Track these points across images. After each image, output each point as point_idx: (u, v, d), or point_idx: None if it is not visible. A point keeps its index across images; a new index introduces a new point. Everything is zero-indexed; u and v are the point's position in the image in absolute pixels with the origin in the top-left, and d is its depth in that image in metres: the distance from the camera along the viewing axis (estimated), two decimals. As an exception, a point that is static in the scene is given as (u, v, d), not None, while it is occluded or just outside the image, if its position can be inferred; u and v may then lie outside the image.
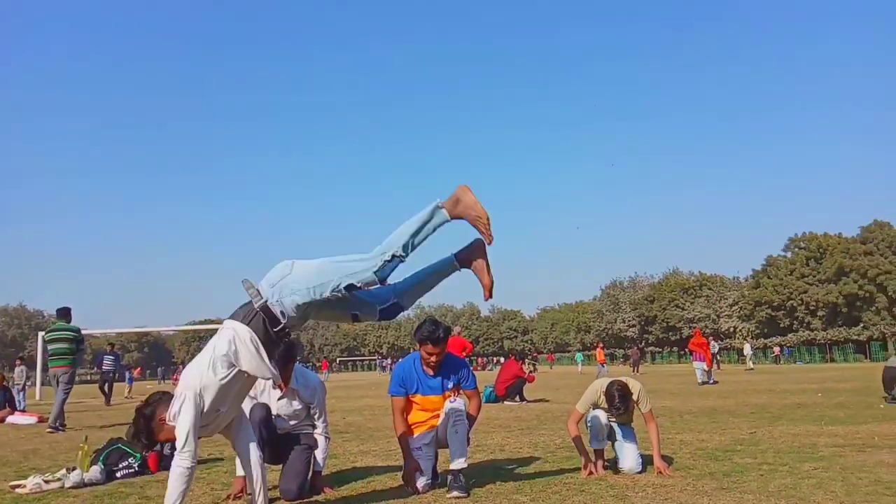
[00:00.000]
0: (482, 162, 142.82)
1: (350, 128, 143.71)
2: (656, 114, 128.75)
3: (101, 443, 5.23)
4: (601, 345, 33.22)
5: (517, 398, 12.18)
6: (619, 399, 4.35)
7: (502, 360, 41.20)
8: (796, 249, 62.88)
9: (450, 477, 3.93)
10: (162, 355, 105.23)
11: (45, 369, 17.09)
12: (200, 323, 79.60)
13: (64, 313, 9.94)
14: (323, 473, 4.29)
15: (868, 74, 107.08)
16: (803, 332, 58.43)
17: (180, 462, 2.97)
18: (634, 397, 4.51)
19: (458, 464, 3.93)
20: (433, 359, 4.19)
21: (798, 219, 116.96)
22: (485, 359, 78.54)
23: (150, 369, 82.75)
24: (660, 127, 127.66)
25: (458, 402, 4.14)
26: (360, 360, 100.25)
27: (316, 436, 4.28)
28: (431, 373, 4.25)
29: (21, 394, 14.61)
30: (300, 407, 4.23)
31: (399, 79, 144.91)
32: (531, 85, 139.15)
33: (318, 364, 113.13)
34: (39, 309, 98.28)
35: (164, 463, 5.17)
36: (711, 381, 17.60)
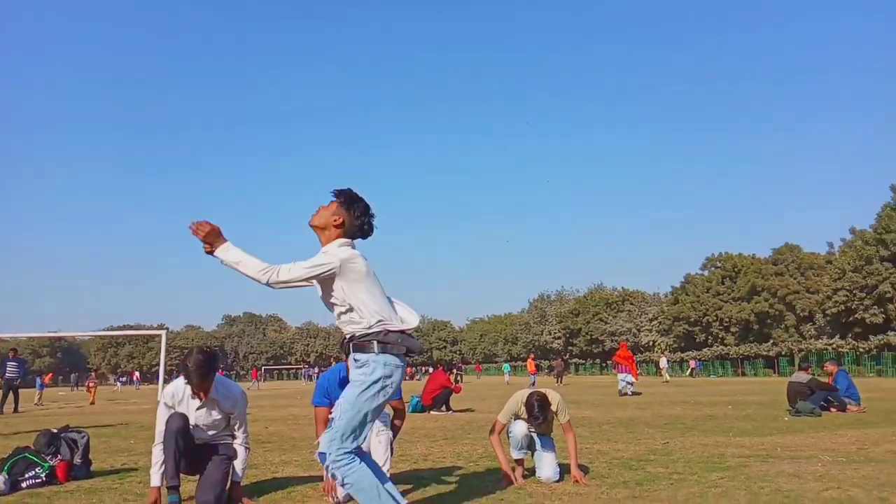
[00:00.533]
0: (415, 174, 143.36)
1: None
2: (587, 131, 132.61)
3: (7, 451, 4.98)
4: (532, 356, 33.69)
5: (443, 408, 12.26)
6: (538, 409, 4.48)
7: (430, 369, 41.25)
8: (713, 268, 65.71)
9: None
10: (77, 361, 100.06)
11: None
12: (119, 328, 76.30)
13: None
14: (241, 484, 4.22)
15: (778, 102, 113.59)
16: (717, 346, 61.00)
17: None
18: (554, 408, 4.65)
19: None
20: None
21: (715, 239, 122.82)
22: (413, 368, 78.39)
23: (63, 375, 78.53)
24: (590, 144, 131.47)
25: (382, 413, 4.16)
26: (286, 369, 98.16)
27: (235, 446, 4.21)
28: None
29: None
30: (220, 417, 4.15)
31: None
32: (463, 98, 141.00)
33: (243, 373, 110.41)
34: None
35: (73, 473, 4.97)
36: (631, 393, 18.17)
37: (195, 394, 4.03)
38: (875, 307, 46.61)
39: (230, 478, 4.11)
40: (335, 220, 3.26)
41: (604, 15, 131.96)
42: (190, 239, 3.17)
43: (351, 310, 3.18)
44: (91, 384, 24.82)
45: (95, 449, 5.78)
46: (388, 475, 3.97)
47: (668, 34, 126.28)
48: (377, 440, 4.05)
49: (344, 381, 4.24)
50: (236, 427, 4.23)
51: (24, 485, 4.62)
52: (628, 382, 18.41)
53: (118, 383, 52.03)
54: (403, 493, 4.14)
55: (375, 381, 3.09)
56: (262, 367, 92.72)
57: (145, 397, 27.71)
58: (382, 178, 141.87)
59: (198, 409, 4.09)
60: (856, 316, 47.99)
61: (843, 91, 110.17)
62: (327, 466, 3.07)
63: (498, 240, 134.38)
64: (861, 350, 45.86)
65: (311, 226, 3.33)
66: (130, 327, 76.80)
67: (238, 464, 4.16)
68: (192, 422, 4.08)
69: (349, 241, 3.30)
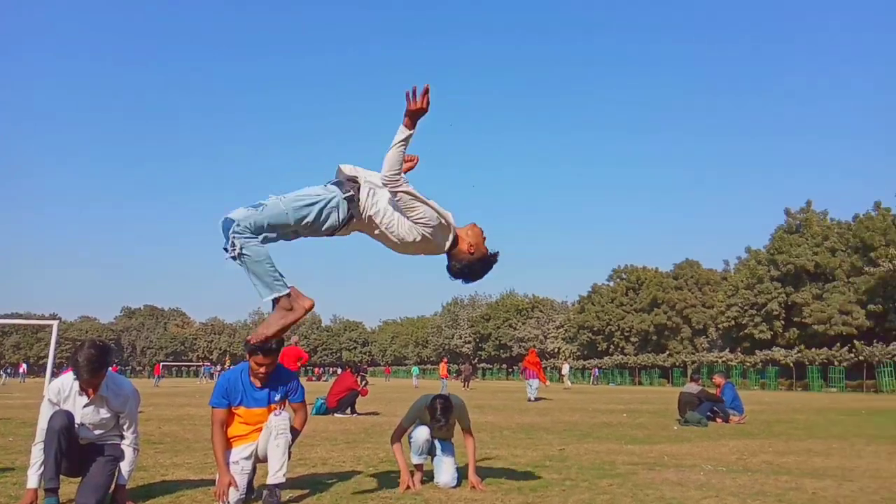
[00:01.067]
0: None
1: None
2: (505, 138, 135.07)
3: None
4: (445, 360, 33.88)
5: (348, 411, 12.14)
6: (441, 413, 4.53)
7: (339, 371, 40.74)
8: (618, 279, 68.37)
9: (265, 491, 3.86)
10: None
11: None
12: (4, 316, 71.09)
13: None
14: (128, 487, 4.03)
15: (688, 123, 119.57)
16: (618, 355, 63.49)
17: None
18: (456, 413, 4.70)
19: (276, 478, 3.86)
20: (262, 370, 4.08)
21: (622, 252, 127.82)
22: (321, 369, 77.30)
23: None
24: (508, 151, 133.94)
25: (282, 415, 4.07)
26: (186, 366, 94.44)
27: (123, 447, 4.02)
28: (259, 384, 4.15)
29: None
30: (108, 416, 3.96)
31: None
32: (367, 94, 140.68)
33: (139, 368, 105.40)
34: None
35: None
36: (534, 399, 18.59)
37: (83, 390, 3.84)
38: (764, 324, 49.81)
39: (115, 480, 3.92)
40: None
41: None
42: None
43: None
44: None
45: (-34, 448, 5.36)
46: (283, 480, 3.91)
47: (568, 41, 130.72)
48: (275, 444, 3.94)
49: (246, 383, 4.14)
50: (125, 427, 4.05)
51: None
52: (536, 388, 18.88)
53: (2, 375, 48.42)
54: (298, 499, 4.09)
55: (318, 196, 3.29)
56: (160, 364, 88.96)
57: (30, 391, 26.01)
58: (307, 167, 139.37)
59: (85, 406, 3.89)
60: (745, 331, 51.12)
61: (747, 115, 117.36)
62: (230, 234, 3.09)
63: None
64: (748, 364, 48.92)
65: None
66: (19, 315, 71.78)
67: (125, 466, 3.98)
68: (78, 420, 3.88)
69: None
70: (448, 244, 3.58)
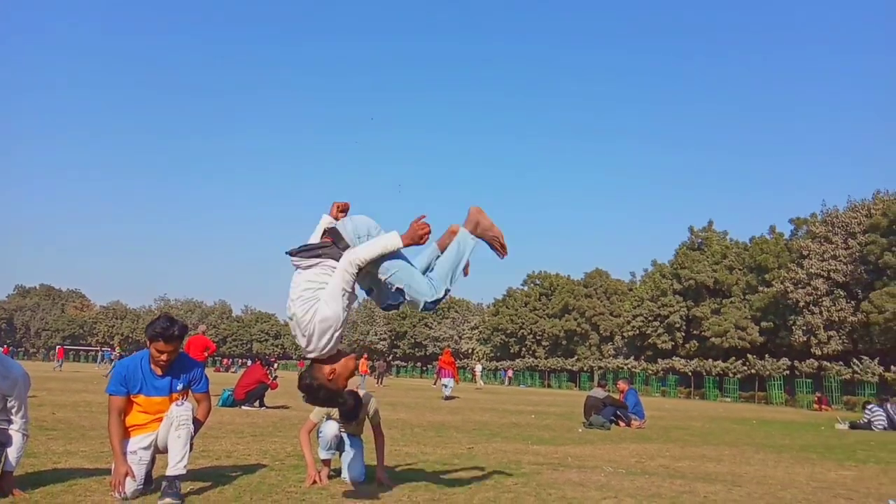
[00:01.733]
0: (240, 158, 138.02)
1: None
2: (421, 139, 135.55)
3: None
4: (366, 356, 33.50)
5: (257, 403, 11.86)
6: (348, 411, 4.51)
7: (249, 362, 39.67)
8: (532, 284, 69.90)
9: (164, 483, 3.72)
10: None
11: None
12: None
13: None
14: (15, 474, 3.80)
15: (602, 133, 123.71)
16: (529, 358, 64.93)
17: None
18: (366, 409, 4.69)
19: (176, 469, 3.74)
20: (164, 357, 3.93)
21: (537, 257, 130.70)
22: (230, 360, 75.17)
23: None
24: (424, 153, 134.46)
25: (184, 406, 3.94)
26: (85, 350, 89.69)
27: (11, 432, 3.79)
28: (160, 372, 4.00)
29: None
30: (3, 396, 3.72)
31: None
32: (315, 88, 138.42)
33: (33, 350, 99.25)
34: None
35: None
36: (445, 398, 18.81)
37: None
38: (666, 334, 52.13)
39: (1, 467, 3.69)
40: None
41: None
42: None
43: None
44: None
45: None
46: (184, 472, 3.79)
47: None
48: (175, 434, 3.81)
49: (147, 371, 3.98)
50: (13, 411, 3.82)
51: None
52: (449, 386, 19.18)
53: None
54: (199, 492, 3.97)
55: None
56: (58, 347, 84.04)
57: None
58: (227, 157, 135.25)
59: None
60: (649, 340, 53.36)
61: (662, 130, 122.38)
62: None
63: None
64: (650, 371, 51.13)
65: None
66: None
67: (12, 452, 3.76)
68: None
69: None
70: (321, 351, 3.38)
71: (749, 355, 44.40)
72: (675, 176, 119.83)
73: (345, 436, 4.76)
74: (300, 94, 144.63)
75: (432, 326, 77.63)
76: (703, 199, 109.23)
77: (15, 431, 3.81)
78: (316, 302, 3.30)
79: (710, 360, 47.16)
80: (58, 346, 52.36)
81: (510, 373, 60.63)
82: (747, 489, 5.19)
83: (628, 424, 11.37)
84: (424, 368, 74.77)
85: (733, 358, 45.22)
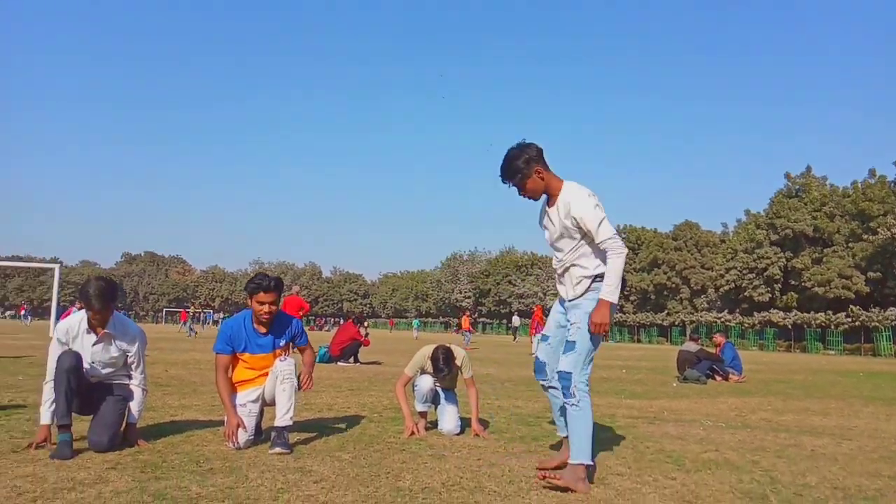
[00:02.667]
0: (339, 125, 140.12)
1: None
2: (500, 97, 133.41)
3: None
4: (467, 313, 34.02)
5: (351, 360, 12.29)
6: (443, 363, 4.59)
7: (341, 321, 41.02)
8: (619, 239, 68.36)
9: (273, 433, 3.92)
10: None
11: None
12: (7, 259, 71.31)
13: None
14: (137, 426, 4.10)
15: (690, 83, 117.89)
16: (617, 314, 63.95)
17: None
18: (458, 363, 4.76)
19: (283, 420, 3.93)
20: (265, 309, 4.06)
21: (623, 211, 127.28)
22: (323, 319, 77.97)
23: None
24: (504, 110, 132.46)
25: (288, 361, 4.11)
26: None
27: (132, 387, 4.08)
28: (263, 330, 4.17)
29: None
30: (117, 354, 3.99)
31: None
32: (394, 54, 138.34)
33: (143, 314, 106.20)
34: None
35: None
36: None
37: (91, 328, 3.88)
38: (763, 286, 50.01)
39: (125, 419, 3.99)
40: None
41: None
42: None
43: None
44: None
45: (-23, 384, 5.45)
46: (291, 423, 3.97)
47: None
48: (281, 388, 3.99)
49: (250, 329, 4.15)
50: (133, 367, 4.10)
51: None
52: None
53: (6, 316, 48.75)
54: (306, 442, 4.16)
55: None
56: (164, 310, 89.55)
57: (35, 332, 26.29)
58: (310, 124, 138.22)
59: (94, 344, 3.92)
60: (744, 293, 51.35)
61: (752, 76, 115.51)
62: (567, 387, 3.40)
63: (415, 198, 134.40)
64: (746, 325, 49.32)
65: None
66: (19, 258, 72.13)
67: (134, 405, 4.04)
68: (87, 359, 3.91)
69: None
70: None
71: (852, 307, 41.99)
72: (768, 121, 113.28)
73: (439, 389, 4.86)
74: (385, 57, 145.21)
75: (516, 284, 77.55)
76: (800, 144, 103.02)
77: (135, 386, 4.09)
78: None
79: (811, 312, 44.94)
80: (181, 310, 56.25)
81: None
82: (858, 443, 4.95)
83: (725, 378, 11.04)
84: (510, 325, 75.07)
85: (831, 312, 42.89)
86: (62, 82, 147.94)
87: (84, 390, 3.86)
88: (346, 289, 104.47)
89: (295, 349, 4.39)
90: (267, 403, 4.20)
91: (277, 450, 3.80)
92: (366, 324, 14.24)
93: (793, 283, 48.23)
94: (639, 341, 56.73)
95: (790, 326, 45.75)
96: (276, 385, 4.03)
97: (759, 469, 3.86)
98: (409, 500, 2.94)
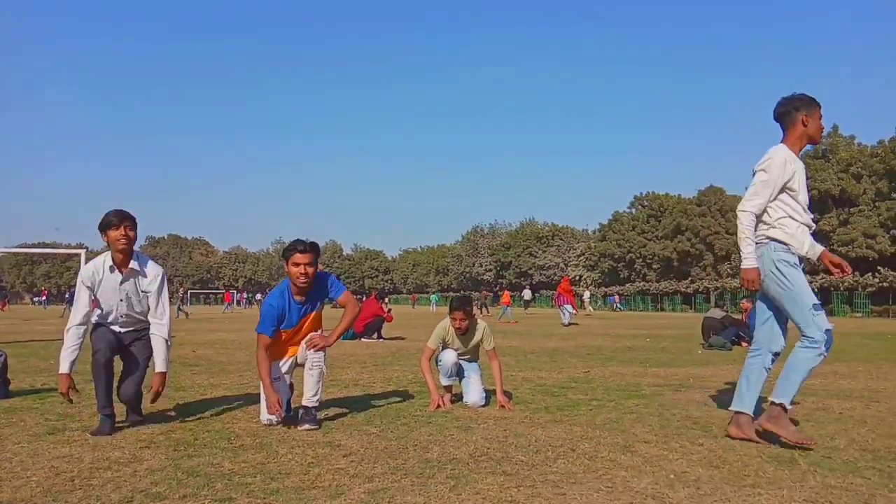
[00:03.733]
0: (362, 100, 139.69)
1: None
2: (518, 68, 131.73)
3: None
4: (507, 289, 34.13)
5: (375, 335, 12.39)
6: (457, 302, 4.74)
7: (363, 298, 41.33)
8: (640, 207, 67.67)
9: (301, 410, 3.98)
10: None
11: None
12: (33, 246, 72.67)
13: None
14: (167, 406, 4.16)
15: (709, 45, 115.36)
16: (639, 282, 63.62)
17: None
18: (479, 336, 4.78)
19: (310, 401, 3.96)
20: (301, 270, 3.99)
21: (644, 178, 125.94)
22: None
23: (-26, 292, 74.73)
24: (529, 82, 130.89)
25: (318, 354, 4.06)
26: (213, 293, 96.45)
27: (155, 334, 4.00)
28: (301, 299, 4.13)
29: None
30: (143, 292, 3.95)
31: None
32: (415, 24, 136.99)
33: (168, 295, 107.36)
34: None
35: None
36: (568, 323, 19.26)
37: (116, 266, 3.86)
38: (788, 250, 49.33)
39: (154, 368, 3.98)
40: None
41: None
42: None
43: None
44: (5, 304, 22.90)
45: (13, 369, 5.59)
46: (317, 405, 4.01)
47: None
48: (310, 373, 4.02)
49: (290, 301, 4.10)
50: (156, 311, 4.02)
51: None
52: (570, 313, 19.59)
53: (35, 303, 50.21)
54: (334, 418, 4.22)
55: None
56: (189, 292, 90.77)
57: (65, 317, 26.79)
58: (328, 98, 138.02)
59: (121, 283, 3.89)
60: (770, 257, 50.69)
61: (770, 35, 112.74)
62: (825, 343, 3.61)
63: (433, 172, 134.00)
64: (771, 290, 48.71)
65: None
66: (45, 245, 73.37)
67: (160, 353, 3.99)
68: (118, 298, 3.88)
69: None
70: None
71: (880, 268, 41.31)
72: (792, 80, 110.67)
73: (463, 362, 4.89)
74: (400, 31, 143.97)
75: (537, 255, 77.36)
76: (827, 103, 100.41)
77: (157, 336, 4.00)
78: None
79: (838, 274, 44.29)
80: (224, 292, 58.31)
81: (617, 299, 59.68)
82: (887, 405, 4.91)
83: (751, 344, 10.95)
84: (521, 297, 75.09)
85: (858, 274, 42.17)
86: (82, 63, 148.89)
87: (114, 346, 3.89)
88: (367, 265, 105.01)
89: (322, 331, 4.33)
90: (299, 364, 4.19)
91: (306, 426, 3.86)
92: (386, 300, 14.33)
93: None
94: (662, 309, 56.46)
95: (817, 289, 45.07)
96: (305, 370, 4.05)
97: (787, 433, 3.83)
98: (437, 472, 2.97)
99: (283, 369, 4.20)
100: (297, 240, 4.10)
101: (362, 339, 12.08)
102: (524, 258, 78.49)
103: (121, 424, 3.89)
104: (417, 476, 2.91)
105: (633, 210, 68.52)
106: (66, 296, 31.63)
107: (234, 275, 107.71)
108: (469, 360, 4.93)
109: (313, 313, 4.20)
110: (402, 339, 12.54)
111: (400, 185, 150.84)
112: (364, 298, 19.07)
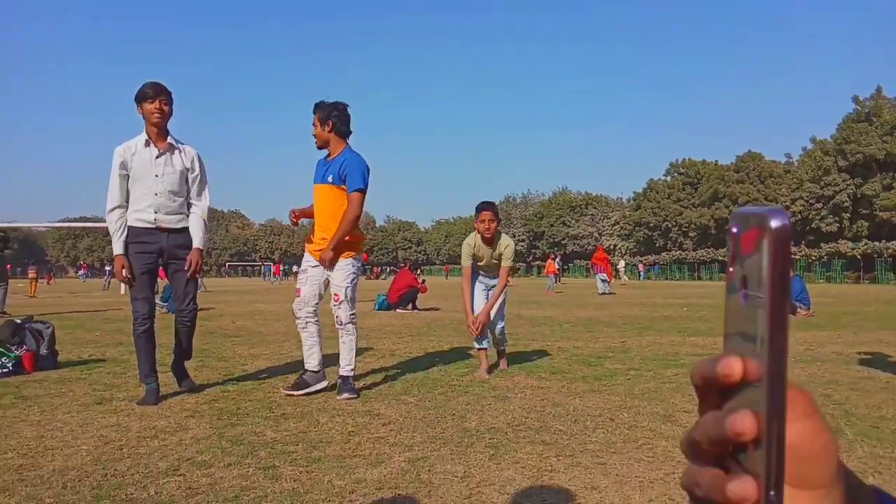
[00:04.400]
0: (389, 76, 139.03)
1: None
2: (552, 37, 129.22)
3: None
4: (552, 256, 33.95)
5: (409, 306, 12.46)
6: (482, 203, 4.90)
7: (397, 269, 41.62)
8: (676, 174, 66.39)
9: (339, 380, 4.02)
10: (35, 252, 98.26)
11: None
12: (75, 220, 74.51)
13: None
14: (210, 379, 4.24)
15: (747, 9, 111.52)
16: (676, 251, 62.71)
17: None
18: (502, 248, 4.81)
19: (346, 371, 4.00)
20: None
21: (680, 145, 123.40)
22: (378, 268, 79.17)
23: (21, 267, 77.07)
24: (560, 50, 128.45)
25: (344, 309, 4.07)
26: (250, 266, 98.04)
27: (193, 216, 4.05)
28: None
29: None
30: (180, 170, 3.92)
31: None
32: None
33: (206, 268, 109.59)
34: None
35: (40, 363, 4.97)
36: (603, 292, 19.32)
37: (151, 141, 3.81)
38: (830, 216, 48.05)
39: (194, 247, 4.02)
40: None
41: None
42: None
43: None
44: (31, 274, 22.85)
45: (61, 340, 5.76)
46: (353, 374, 4.03)
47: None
48: (342, 340, 4.05)
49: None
50: (200, 194, 4.05)
51: (-9, 374, 4.61)
52: (604, 281, 19.75)
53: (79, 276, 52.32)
54: (371, 387, 4.26)
55: None
56: (226, 264, 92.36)
57: (109, 291, 27.51)
58: (359, 73, 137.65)
59: (157, 157, 3.83)
60: (811, 225, 49.48)
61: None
62: None
63: (462, 144, 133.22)
64: (813, 257, 47.61)
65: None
66: (87, 219, 75.17)
67: (198, 231, 4.02)
68: (153, 174, 3.81)
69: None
70: None
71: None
72: (833, 41, 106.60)
73: (485, 280, 4.97)
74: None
75: (570, 225, 76.67)
76: (870, 64, 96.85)
77: (196, 214, 4.05)
78: None
79: (882, 241, 43.02)
80: (272, 265, 62.19)
81: (641, 267, 58.91)
82: (938, 374, 4.77)
83: (793, 313, 10.69)
84: (565, 268, 74.68)
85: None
86: (122, 41, 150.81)
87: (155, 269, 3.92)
88: (400, 237, 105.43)
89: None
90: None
91: (345, 395, 3.90)
92: (419, 271, 14.39)
93: (863, 211, 46.16)
94: (699, 279, 55.63)
95: (859, 257, 43.95)
96: (339, 337, 4.07)
97: (833, 402, 3.76)
98: (476, 441, 2.99)
99: (312, 262, 4.18)
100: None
101: (397, 310, 12.16)
102: (557, 228, 77.90)
103: (165, 394, 3.98)
104: (456, 445, 2.92)
105: (669, 177, 67.28)
106: (107, 269, 32.23)
107: (269, 247, 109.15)
108: (492, 277, 4.95)
109: (331, 183, 4.09)
110: (437, 309, 12.59)
111: (432, 155, 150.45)
112: (399, 270, 19.18)
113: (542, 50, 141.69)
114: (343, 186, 4.04)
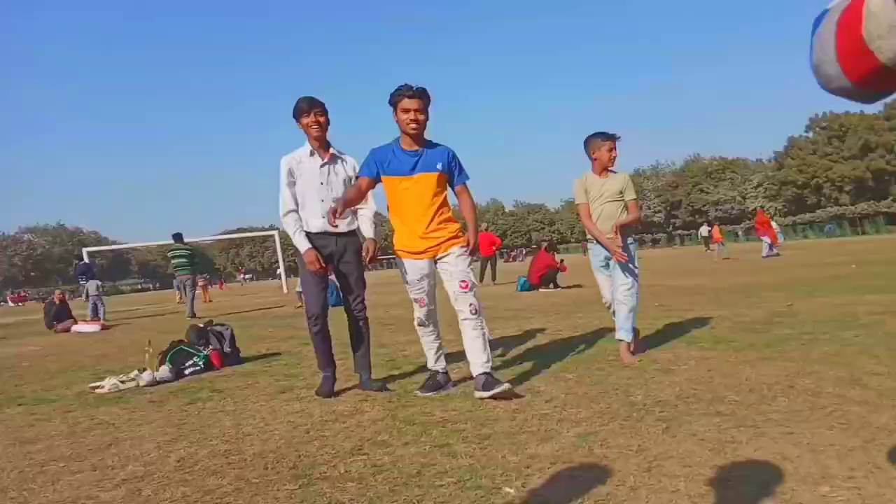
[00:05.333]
0: (515, 58, 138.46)
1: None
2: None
3: (164, 346, 5.45)
4: (717, 224, 32.79)
5: (551, 286, 12.39)
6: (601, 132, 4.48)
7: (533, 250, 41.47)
8: (818, 129, 61.06)
9: (482, 379, 3.55)
10: (203, 263, 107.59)
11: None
12: (234, 231, 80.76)
13: (178, 236, 13.12)
14: (373, 369, 4.25)
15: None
16: (831, 207, 57.63)
17: None
18: (623, 185, 4.40)
19: (487, 367, 3.60)
20: (410, 116, 3.61)
21: (817, 99, 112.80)
22: (514, 251, 79.22)
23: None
24: (680, 14, 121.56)
25: (476, 299, 3.71)
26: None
27: (362, 216, 4.12)
28: (413, 148, 3.73)
29: (101, 306, 14.17)
30: (346, 177, 4.04)
31: None
32: None
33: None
34: (78, 226, 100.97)
35: (226, 360, 5.44)
36: (775, 253, 19.24)
37: (315, 152, 3.95)
38: None
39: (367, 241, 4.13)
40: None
41: None
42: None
43: None
44: (202, 283, 24.00)
45: (240, 338, 6.24)
46: (489, 368, 3.61)
47: None
48: (473, 334, 3.64)
49: (397, 149, 3.75)
50: (366, 200, 4.07)
51: (186, 372, 5.11)
52: (768, 244, 19.60)
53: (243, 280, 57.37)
54: (528, 365, 4.27)
55: None
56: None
57: (271, 290, 29.56)
58: (477, 58, 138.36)
59: (322, 166, 3.98)
60: None
61: None
62: None
63: (584, 121, 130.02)
64: None
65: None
66: (243, 230, 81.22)
67: (368, 227, 4.12)
68: (319, 182, 3.94)
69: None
70: None
71: None
72: None
73: (607, 205, 4.41)
74: None
75: (709, 191, 72.56)
76: None
77: (364, 216, 4.13)
78: None
79: None
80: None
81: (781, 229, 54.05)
82: None
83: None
84: (700, 235, 70.88)
85: None
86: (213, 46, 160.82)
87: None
88: (532, 219, 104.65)
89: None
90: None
91: (504, 387, 3.45)
92: (555, 251, 14.26)
93: None
94: (863, 233, 50.74)
95: None
96: (466, 336, 3.68)
97: None
98: (645, 415, 2.92)
99: (424, 270, 3.80)
100: (405, 84, 3.69)
101: (540, 290, 12.13)
102: (695, 195, 74.01)
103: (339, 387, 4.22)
104: (625, 419, 2.88)
105: (811, 133, 61.94)
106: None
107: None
108: (610, 215, 4.38)
109: (430, 173, 3.69)
110: (580, 286, 12.41)
111: (554, 133, 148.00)
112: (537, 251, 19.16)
113: (662, 20, 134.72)
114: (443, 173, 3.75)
